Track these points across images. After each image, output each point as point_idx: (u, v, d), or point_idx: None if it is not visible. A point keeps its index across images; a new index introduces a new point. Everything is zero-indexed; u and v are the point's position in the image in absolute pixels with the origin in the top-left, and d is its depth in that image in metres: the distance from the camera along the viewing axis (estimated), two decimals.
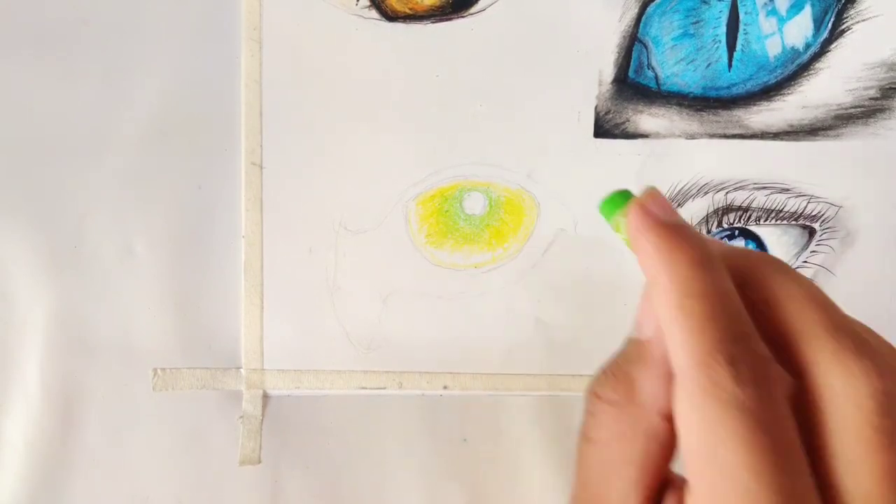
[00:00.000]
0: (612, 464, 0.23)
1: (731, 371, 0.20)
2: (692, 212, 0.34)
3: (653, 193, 0.22)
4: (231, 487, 0.34)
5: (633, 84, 0.33)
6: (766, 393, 0.20)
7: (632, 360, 0.23)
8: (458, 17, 0.32)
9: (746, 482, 0.19)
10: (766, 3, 0.33)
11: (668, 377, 0.22)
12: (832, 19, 0.33)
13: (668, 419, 0.22)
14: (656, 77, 0.33)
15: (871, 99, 0.34)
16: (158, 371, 0.33)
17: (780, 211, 0.34)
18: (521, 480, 0.35)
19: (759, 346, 0.20)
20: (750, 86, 0.33)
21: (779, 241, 0.34)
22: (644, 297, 0.23)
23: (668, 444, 0.23)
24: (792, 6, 0.33)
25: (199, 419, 0.34)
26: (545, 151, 0.33)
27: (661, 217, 0.22)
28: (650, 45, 0.33)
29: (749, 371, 0.20)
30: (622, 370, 0.23)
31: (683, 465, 0.22)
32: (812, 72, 0.33)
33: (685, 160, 0.33)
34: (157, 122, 0.32)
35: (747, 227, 0.34)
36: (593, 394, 0.24)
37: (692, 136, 0.33)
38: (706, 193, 0.34)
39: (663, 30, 0.33)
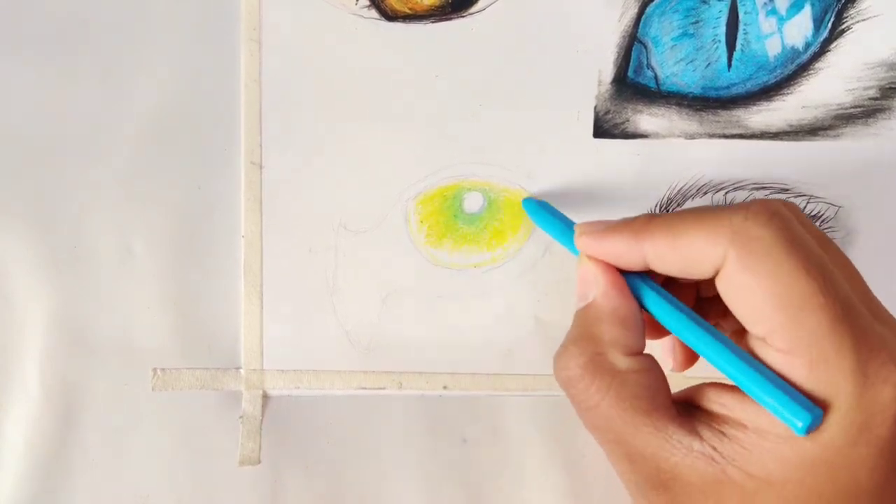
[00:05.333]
0: (623, 411, 0.25)
1: (755, 220, 0.23)
2: None
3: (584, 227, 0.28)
4: (231, 487, 0.34)
5: (632, 84, 0.33)
6: (786, 222, 0.23)
7: (588, 322, 0.26)
8: (458, 17, 0.32)
9: (817, 305, 0.22)
10: (765, 3, 0.33)
11: (624, 322, 0.26)
12: (832, 19, 0.33)
13: (637, 354, 0.26)
14: (656, 77, 0.33)
15: (871, 99, 0.34)
16: (158, 371, 0.33)
17: None
18: (521, 480, 0.35)
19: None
20: (749, 86, 0.33)
21: None
22: (582, 273, 0.27)
23: (652, 371, 0.26)
24: (792, 6, 0.33)
25: (199, 419, 0.34)
26: (545, 151, 0.33)
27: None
28: (650, 44, 0.33)
29: (765, 212, 0.24)
30: (580, 335, 0.26)
31: (753, 328, 0.24)
32: (812, 72, 0.33)
33: (684, 160, 0.33)
34: (156, 122, 0.32)
35: None
36: (563, 369, 0.26)
37: (692, 136, 0.33)
38: (706, 193, 0.34)
39: (663, 30, 0.33)
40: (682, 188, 0.34)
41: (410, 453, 0.35)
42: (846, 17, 0.33)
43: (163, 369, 0.33)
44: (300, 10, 0.32)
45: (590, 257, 0.27)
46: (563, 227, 0.30)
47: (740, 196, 0.34)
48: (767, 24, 0.33)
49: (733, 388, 0.25)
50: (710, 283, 0.25)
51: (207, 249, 0.33)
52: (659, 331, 0.30)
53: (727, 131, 0.33)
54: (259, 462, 0.34)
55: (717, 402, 0.25)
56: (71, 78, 0.32)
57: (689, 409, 0.25)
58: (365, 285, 0.34)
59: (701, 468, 0.24)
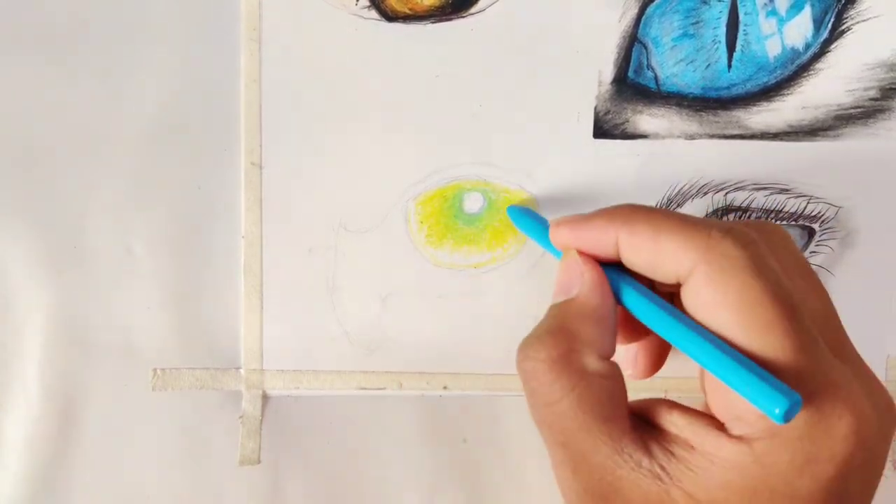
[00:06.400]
0: (583, 413, 0.24)
1: (733, 240, 0.23)
2: (692, 212, 0.34)
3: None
4: (231, 487, 0.34)
5: (632, 84, 0.33)
6: (759, 249, 0.23)
7: (567, 317, 0.26)
8: (458, 18, 0.32)
9: (780, 331, 0.22)
10: (765, 4, 0.33)
11: (603, 322, 0.25)
12: (832, 20, 0.33)
13: (607, 358, 0.25)
14: (656, 77, 0.33)
15: (871, 99, 0.34)
16: (158, 371, 0.33)
17: (780, 211, 0.34)
18: (521, 480, 0.35)
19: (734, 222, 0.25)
20: (749, 86, 0.33)
21: None
22: (566, 266, 0.27)
23: (616, 379, 0.25)
24: (792, 6, 0.33)
25: (199, 419, 0.34)
26: (545, 152, 0.33)
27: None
28: (650, 45, 0.33)
29: (743, 235, 0.23)
30: (557, 328, 0.26)
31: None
32: (812, 72, 0.33)
33: (685, 161, 0.33)
34: (156, 122, 0.32)
35: None
36: (531, 359, 0.25)
37: (692, 137, 0.33)
38: (706, 194, 0.34)
39: (663, 30, 0.33)
40: (682, 188, 0.34)
41: (410, 453, 0.35)
42: (846, 18, 0.33)
43: (163, 369, 0.33)
44: (300, 10, 0.32)
45: (579, 252, 0.27)
46: (543, 229, 0.30)
47: (741, 197, 0.34)
48: (767, 24, 0.33)
49: (685, 408, 0.24)
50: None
51: (207, 249, 0.33)
52: (628, 337, 0.30)
53: (727, 132, 0.33)
54: (259, 462, 0.34)
55: (668, 421, 0.24)
56: (71, 78, 0.32)
57: (641, 424, 0.25)
58: (365, 285, 0.34)
59: (645, 486, 0.23)
